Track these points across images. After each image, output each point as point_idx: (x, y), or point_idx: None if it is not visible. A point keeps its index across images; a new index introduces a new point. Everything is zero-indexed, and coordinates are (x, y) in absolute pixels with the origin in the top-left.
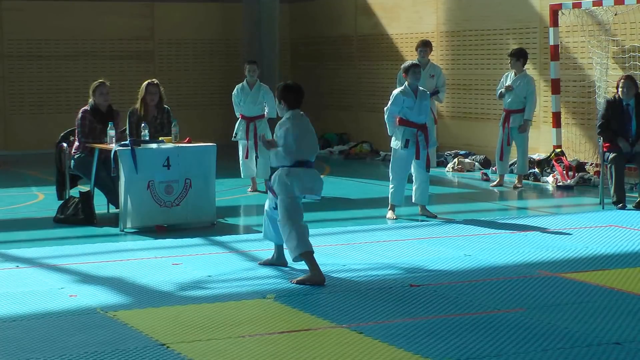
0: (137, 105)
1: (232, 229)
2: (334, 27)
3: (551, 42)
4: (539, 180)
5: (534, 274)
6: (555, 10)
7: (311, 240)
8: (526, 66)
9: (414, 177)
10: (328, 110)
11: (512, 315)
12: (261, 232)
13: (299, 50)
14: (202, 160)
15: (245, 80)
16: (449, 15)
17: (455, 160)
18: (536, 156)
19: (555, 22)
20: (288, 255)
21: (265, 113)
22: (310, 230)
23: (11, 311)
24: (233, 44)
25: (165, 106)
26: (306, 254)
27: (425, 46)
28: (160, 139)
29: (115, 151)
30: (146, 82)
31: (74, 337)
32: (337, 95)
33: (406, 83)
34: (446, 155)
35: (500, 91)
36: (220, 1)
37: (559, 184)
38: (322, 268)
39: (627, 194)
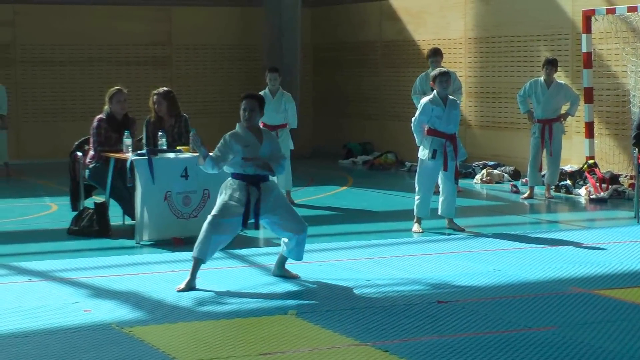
0: (152, 115)
1: (252, 242)
2: (358, 33)
3: (584, 49)
4: (571, 193)
5: (566, 291)
6: (588, 16)
7: (334, 254)
8: (557, 74)
9: (440, 189)
10: (351, 118)
11: (543, 334)
12: (280, 245)
13: (321, 56)
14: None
15: (267, 88)
16: (478, 21)
17: (484, 171)
18: (568, 168)
19: (588, 29)
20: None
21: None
22: (333, 243)
23: (23, 326)
24: (253, 50)
25: (183, 114)
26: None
27: (435, 55)
28: (178, 148)
29: (132, 161)
30: (152, 92)
31: (88, 353)
32: (360, 103)
33: (435, 92)
34: (474, 166)
35: (530, 111)
36: (240, 6)
37: (592, 196)
38: (344, 283)
39: None
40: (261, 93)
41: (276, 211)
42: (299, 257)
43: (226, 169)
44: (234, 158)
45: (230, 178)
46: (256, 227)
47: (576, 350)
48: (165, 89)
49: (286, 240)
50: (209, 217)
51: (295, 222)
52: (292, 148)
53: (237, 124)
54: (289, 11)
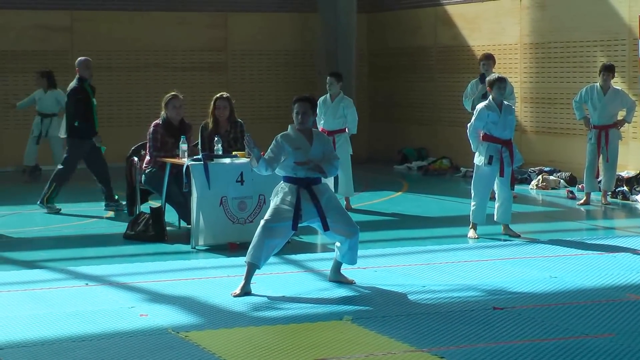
0: (209, 120)
1: (308, 247)
2: (413, 38)
3: None
4: (628, 199)
5: (623, 298)
6: None
7: (389, 259)
8: (613, 80)
9: (496, 195)
10: (406, 124)
11: (600, 341)
12: (335, 250)
13: (377, 61)
14: (277, 176)
15: (328, 93)
16: (533, 27)
17: (540, 177)
18: (625, 174)
19: None
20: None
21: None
22: (388, 249)
23: (80, 330)
24: (309, 56)
25: (239, 120)
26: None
27: (487, 59)
28: (233, 153)
29: (188, 166)
30: (215, 97)
31: (144, 358)
32: (415, 109)
33: (490, 97)
34: (530, 172)
35: (586, 117)
36: (296, 11)
37: None
38: (400, 289)
39: None
40: (322, 97)
41: (327, 214)
42: (352, 261)
43: (277, 171)
44: (285, 160)
45: (282, 182)
46: (325, 228)
47: (634, 358)
48: (226, 94)
49: (339, 244)
50: (262, 222)
51: (346, 226)
52: (351, 153)
53: (289, 126)
54: (345, 17)
